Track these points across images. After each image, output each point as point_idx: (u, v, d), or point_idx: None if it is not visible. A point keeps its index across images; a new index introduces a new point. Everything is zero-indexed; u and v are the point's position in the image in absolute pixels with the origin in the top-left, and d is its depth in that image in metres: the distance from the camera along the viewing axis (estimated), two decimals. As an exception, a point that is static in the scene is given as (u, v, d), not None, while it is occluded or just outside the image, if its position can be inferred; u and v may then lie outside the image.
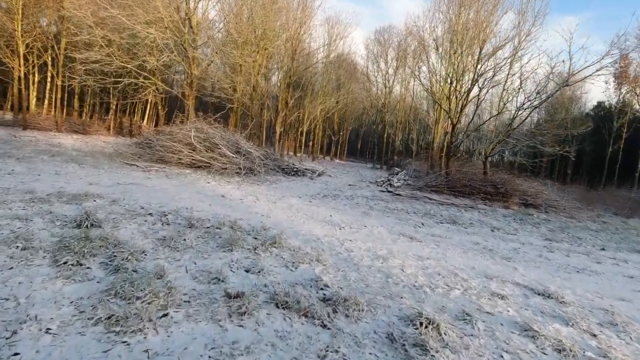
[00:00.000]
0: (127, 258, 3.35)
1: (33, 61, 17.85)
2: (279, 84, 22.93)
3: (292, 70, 21.13)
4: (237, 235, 4.55)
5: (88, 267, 3.09)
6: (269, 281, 3.34)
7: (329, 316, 2.81)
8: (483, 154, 16.78)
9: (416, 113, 33.04)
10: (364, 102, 33.84)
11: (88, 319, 2.33)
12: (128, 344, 2.15)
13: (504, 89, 17.04)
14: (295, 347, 2.38)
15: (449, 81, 18.08)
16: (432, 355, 2.45)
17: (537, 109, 20.13)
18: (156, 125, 24.87)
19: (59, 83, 16.79)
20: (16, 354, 1.97)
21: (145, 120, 25.85)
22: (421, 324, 2.79)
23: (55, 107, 17.33)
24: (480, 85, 16.02)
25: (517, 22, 15.90)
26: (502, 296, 3.79)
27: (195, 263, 3.54)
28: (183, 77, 19.59)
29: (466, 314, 3.18)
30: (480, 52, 15.86)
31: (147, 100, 23.73)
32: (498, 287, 4.14)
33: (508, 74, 16.17)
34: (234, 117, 19.16)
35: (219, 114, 16.07)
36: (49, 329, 2.20)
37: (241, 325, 2.53)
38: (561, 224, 10.33)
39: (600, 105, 31.60)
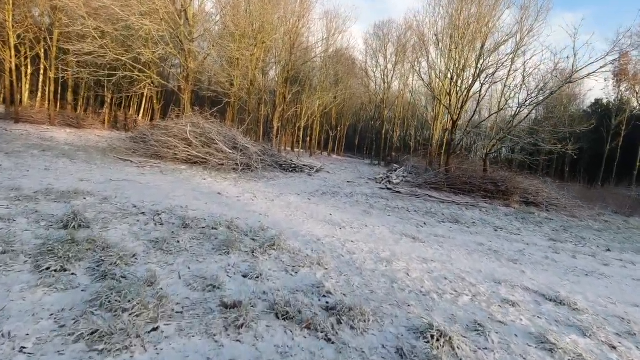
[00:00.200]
0: (115, 263, 3.13)
1: (25, 53, 17.42)
2: (276, 79, 22.53)
3: (290, 65, 20.75)
4: (234, 236, 4.34)
5: (73, 274, 2.86)
6: (268, 288, 3.13)
7: (333, 328, 2.61)
8: (483, 151, 16.60)
9: (414, 109, 32.73)
10: (362, 98, 33.51)
11: (69, 334, 2.10)
12: (112, 365, 1.93)
13: (505, 86, 16.85)
14: (298, 365, 2.17)
15: (449, 77, 17.82)
16: (446, 374, 2.26)
17: (536, 107, 19.94)
18: (152, 119, 24.49)
19: (52, 75, 16.36)
20: (-16, 378, 1.75)
21: (140, 114, 25.37)
22: (432, 337, 2.59)
23: (48, 100, 16.90)
24: (481, 81, 15.80)
25: (519, 17, 15.69)
26: (513, 303, 3.61)
27: (189, 268, 3.32)
28: (179, 71, 19.20)
29: (478, 324, 2.99)
30: (482, 47, 15.61)
31: (142, 94, 23.30)
32: (508, 292, 3.95)
33: (510, 70, 16.00)
34: (231, 111, 18.83)
35: (215, 108, 15.73)
36: (24, 347, 1.97)
37: (238, 340, 2.32)
38: (563, 223, 10.19)
39: (597, 102, 31.47)
